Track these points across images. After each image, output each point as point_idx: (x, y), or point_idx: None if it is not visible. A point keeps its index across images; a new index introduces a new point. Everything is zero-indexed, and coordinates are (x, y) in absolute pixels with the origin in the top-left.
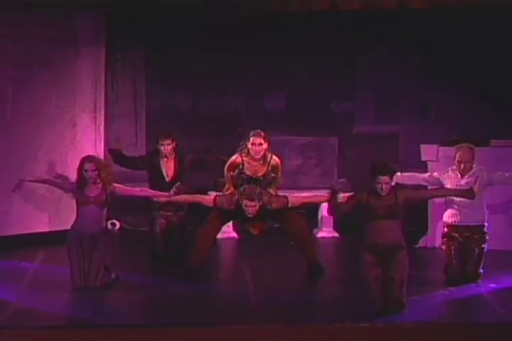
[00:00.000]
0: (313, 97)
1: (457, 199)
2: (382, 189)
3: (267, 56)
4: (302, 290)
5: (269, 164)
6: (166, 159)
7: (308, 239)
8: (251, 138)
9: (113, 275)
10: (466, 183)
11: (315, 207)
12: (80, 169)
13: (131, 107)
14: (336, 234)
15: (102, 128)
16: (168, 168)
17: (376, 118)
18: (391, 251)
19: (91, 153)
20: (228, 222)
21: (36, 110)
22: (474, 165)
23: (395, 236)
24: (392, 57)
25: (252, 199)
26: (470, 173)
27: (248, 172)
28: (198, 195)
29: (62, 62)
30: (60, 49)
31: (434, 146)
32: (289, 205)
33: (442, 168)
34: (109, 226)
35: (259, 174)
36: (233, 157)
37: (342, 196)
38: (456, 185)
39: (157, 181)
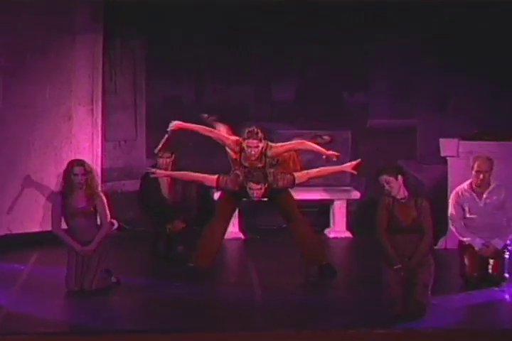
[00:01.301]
0: (324, 88)
1: (475, 223)
2: (387, 189)
3: (275, 44)
4: (313, 293)
5: (265, 156)
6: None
7: (313, 241)
8: (246, 141)
9: (113, 279)
10: (485, 205)
11: (327, 205)
12: (68, 173)
13: (131, 99)
14: (349, 234)
15: (99, 121)
16: (166, 185)
17: (392, 111)
18: None
19: (86, 147)
20: (235, 210)
21: (29, 102)
22: (492, 179)
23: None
24: (407, 45)
25: (257, 182)
26: (489, 190)
27: (246, 164)
28: (200, 174)
29: (56, 50)
30: (55, 37)
31: (455, 140)
32: (296, 182)
33: (463, 165)
34: None
35: (258, 166)
36: (230, 142)
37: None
38: (475, 209)
39: (154, 197)
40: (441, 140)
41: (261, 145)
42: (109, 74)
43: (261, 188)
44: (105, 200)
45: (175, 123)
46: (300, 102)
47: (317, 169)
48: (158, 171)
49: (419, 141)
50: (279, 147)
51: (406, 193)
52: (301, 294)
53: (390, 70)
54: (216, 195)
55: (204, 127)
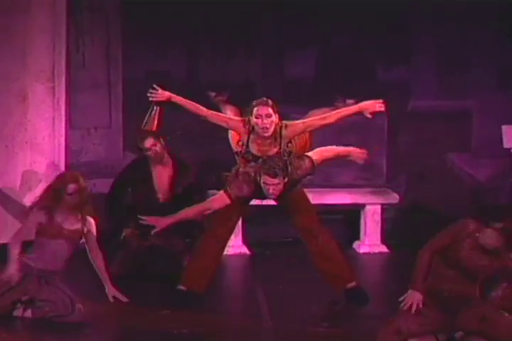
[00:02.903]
0: (352, 61)
1: None
2: (488, 240)
3: (290, 5)
4: (338, 324)
5: (281, 137)
6: (160, 167)
7: (338, 258)
8: (254, 109)
9: (78, 305)
10: None
11: (355, 211)
12: (58, 189)
13: (103, 75)
14: (385, 249)
15: (62, 102)
16: (161, 181)
17: (439, 90)
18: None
19: (46, 135)
20: (239, 218)
21: None
22: None
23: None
24: (458, 5)
25: (274, 175)
26: None
27: (255, 152)
28: (200, 204)
29: (6, 12)
30: None
31: None
32: (315, 165)
33: None
34: None
35: (271, 153)
36: (235, 122)
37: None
38: None
39: (144, 200)
40: (503, 127)
41: (274, 117)
42: (76, 43)
43: (279, 183)
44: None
45: (162, 93)
46: (321, 79)
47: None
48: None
49: (476, 129)
50: (298, 124)
51: None
52: (322, 326)
53: (437, 37)
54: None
55: (199, 106)
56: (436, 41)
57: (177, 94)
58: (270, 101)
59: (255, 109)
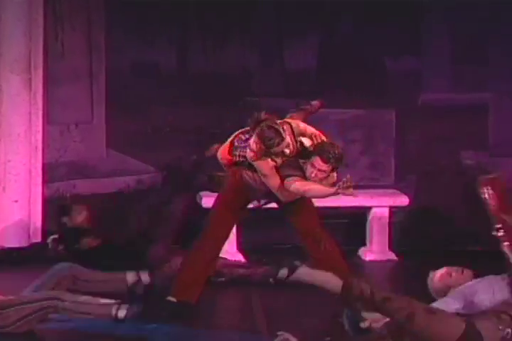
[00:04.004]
0: (358, 51)
1: None
2: None
3: None
4: (341, 338)
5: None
6: None
7: (341, 266)
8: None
9: None
10: None
11: (361, 215)
12: None
13: (85, 65)
14: (393, 256)
15: (39, 96)
16: None
17: (453, 82)
18: None
19: (21, 132)
20: (239, 220)
21: None
22: None
23: None
24: None
25: (326, 160)
26: None
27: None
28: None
29: None
30: None
31: None
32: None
33: None
34: (50, 244)
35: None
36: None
37: None
38: None
39: None
40: None
41: (289, 139)
42: (54, 31)
43: (325, 171)
44: None
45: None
46: (323, 71)
47: None
48: None
49: (492, 124)
50: (304, 129)
51: None
52: (324, 340)
53: (450, 23)
54: (205, 201)
55: None
56: (450, 28)
57: (166, 87)
58: (279, 130)
59: (273, 150)
